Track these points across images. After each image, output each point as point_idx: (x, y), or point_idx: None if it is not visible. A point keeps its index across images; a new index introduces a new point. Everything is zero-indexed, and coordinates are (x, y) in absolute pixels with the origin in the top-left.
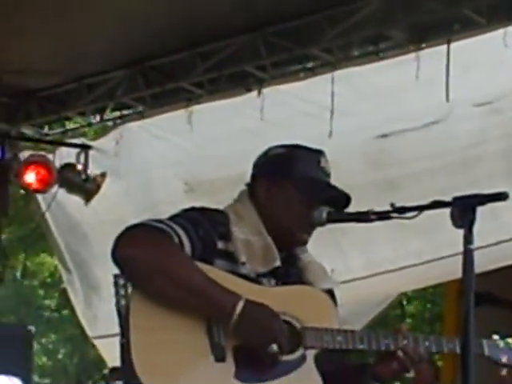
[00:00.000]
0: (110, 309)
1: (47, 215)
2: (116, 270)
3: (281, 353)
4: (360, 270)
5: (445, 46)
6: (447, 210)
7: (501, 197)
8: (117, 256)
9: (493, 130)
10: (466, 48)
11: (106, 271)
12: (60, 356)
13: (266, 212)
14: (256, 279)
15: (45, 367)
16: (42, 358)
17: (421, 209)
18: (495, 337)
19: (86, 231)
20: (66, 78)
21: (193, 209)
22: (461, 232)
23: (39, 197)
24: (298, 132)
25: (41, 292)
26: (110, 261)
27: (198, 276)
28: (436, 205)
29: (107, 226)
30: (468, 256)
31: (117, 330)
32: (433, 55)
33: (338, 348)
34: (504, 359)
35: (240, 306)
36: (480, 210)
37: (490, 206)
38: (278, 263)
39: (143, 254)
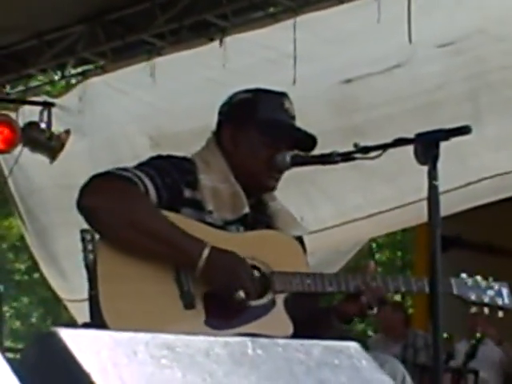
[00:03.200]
0: (74, 275)
1: (9, 180)
2: (73, 237)
3: (248, 299)
4: (329, 219)
5: None
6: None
7: (464, 130)
8: (82, 205)
9: (456, 71)
10: None
11: (65, 240)
12: (33, 319)
13: (233, 158)
14: (223, 227)
15: (18, 331)
16: (15, 322)
17: (384, 147)
18: (463, 275)
19: (46, 197)
20: (26, 35)
21: (159, 157)
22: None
23: (1, 160)
24: (261, 80)
25: (11, 256)
26: (68, 229)
27: (164, 224)
28: (399, 142)
29: (69, 191)
30: (433, 192)
31: (83, 295)
32: None
33: (307, 291)
34: (473, 297)
35: (206, 252)
36: (445, 154)
37: (455, 150)
38: (246, 210)
39: (109, 203)
